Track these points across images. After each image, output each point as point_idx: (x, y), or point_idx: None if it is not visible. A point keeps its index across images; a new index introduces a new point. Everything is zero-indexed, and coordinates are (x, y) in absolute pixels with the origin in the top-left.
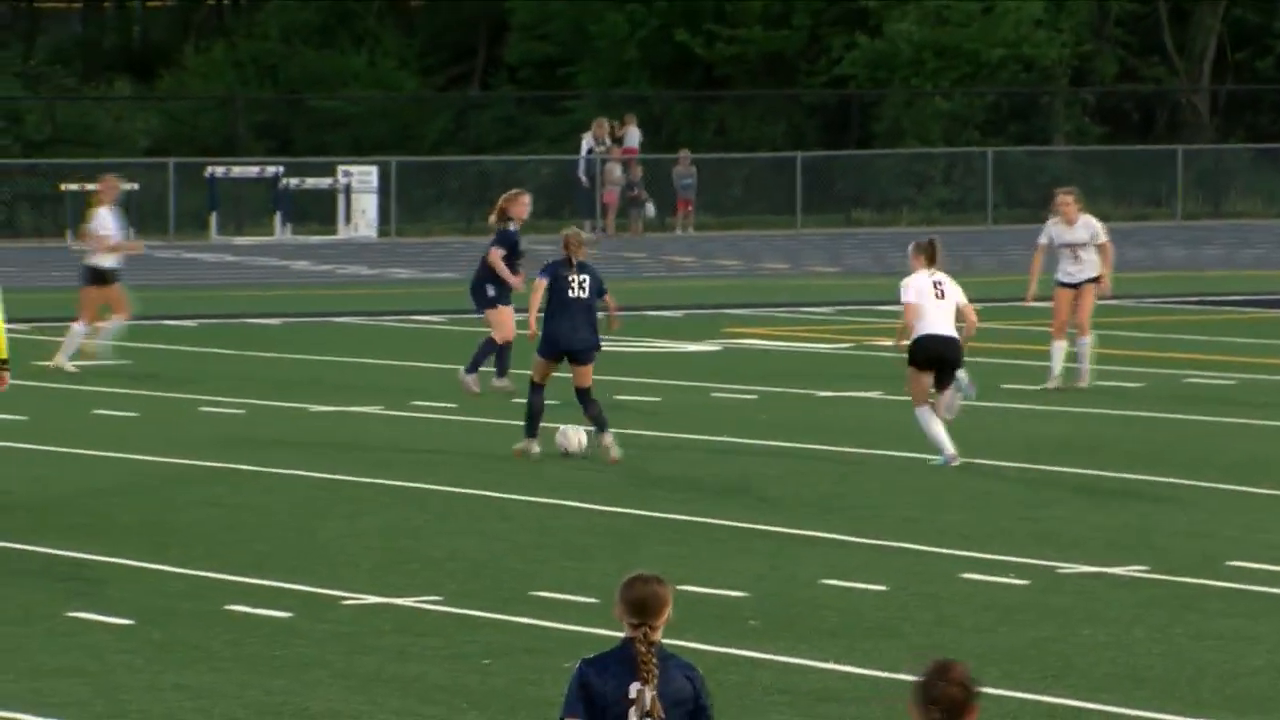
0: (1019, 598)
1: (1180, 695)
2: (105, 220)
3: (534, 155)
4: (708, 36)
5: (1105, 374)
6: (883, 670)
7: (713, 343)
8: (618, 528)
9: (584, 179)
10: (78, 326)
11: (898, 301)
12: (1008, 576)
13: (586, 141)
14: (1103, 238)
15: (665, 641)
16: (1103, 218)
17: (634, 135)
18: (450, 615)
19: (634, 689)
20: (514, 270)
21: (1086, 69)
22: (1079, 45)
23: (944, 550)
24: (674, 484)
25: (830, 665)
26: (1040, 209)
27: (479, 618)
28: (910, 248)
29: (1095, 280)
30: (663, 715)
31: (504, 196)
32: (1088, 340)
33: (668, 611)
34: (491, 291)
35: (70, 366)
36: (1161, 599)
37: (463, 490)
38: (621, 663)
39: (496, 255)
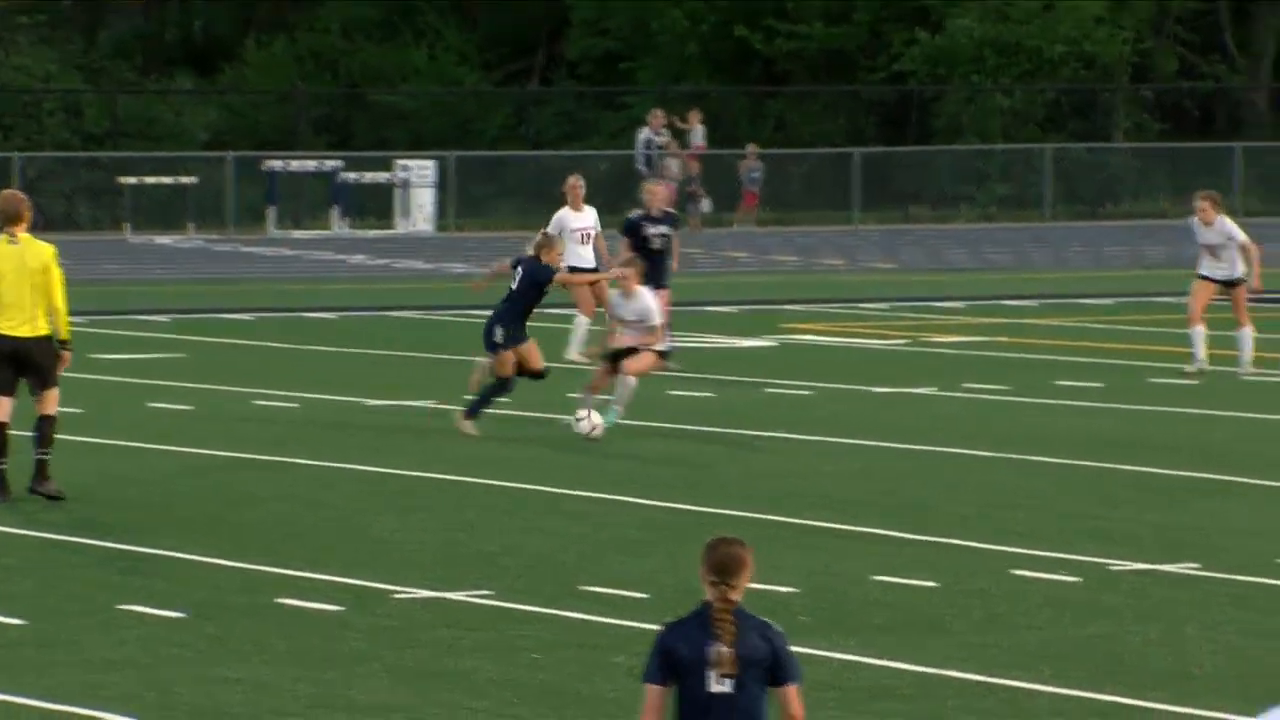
0: (1071, 595)
1: (1231, 693)
2: (563, 221)
3: (593, 151)
4: (767, 32)
5: (1162, 371)
6: (932, 666)
7: (769, 338)
8: (671, 524)
9: (644, 169)
10: (582, 319)
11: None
12: (1060, 574)
13: (644, 134)
14: (1240, 238)
15: None
16: (1160, 215)
17: (699, 133)
18: (501, 610)
19: (710, 648)
20: (645, 249)
21: (1147, 66)
22: (1139, 42)
23: (997, 547)
24: (728, 480)
25: (880, 661)
26: (1099, 205)
27: (530, 612)
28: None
29: (1242, 280)
30: (734, 671)
31: None
32: (1248, 331)
33: (748, 573)
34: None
35: (578, 356)
36: (1214, 597)
37: (517, 485)
38: (700, 625)
39: (622, 244)
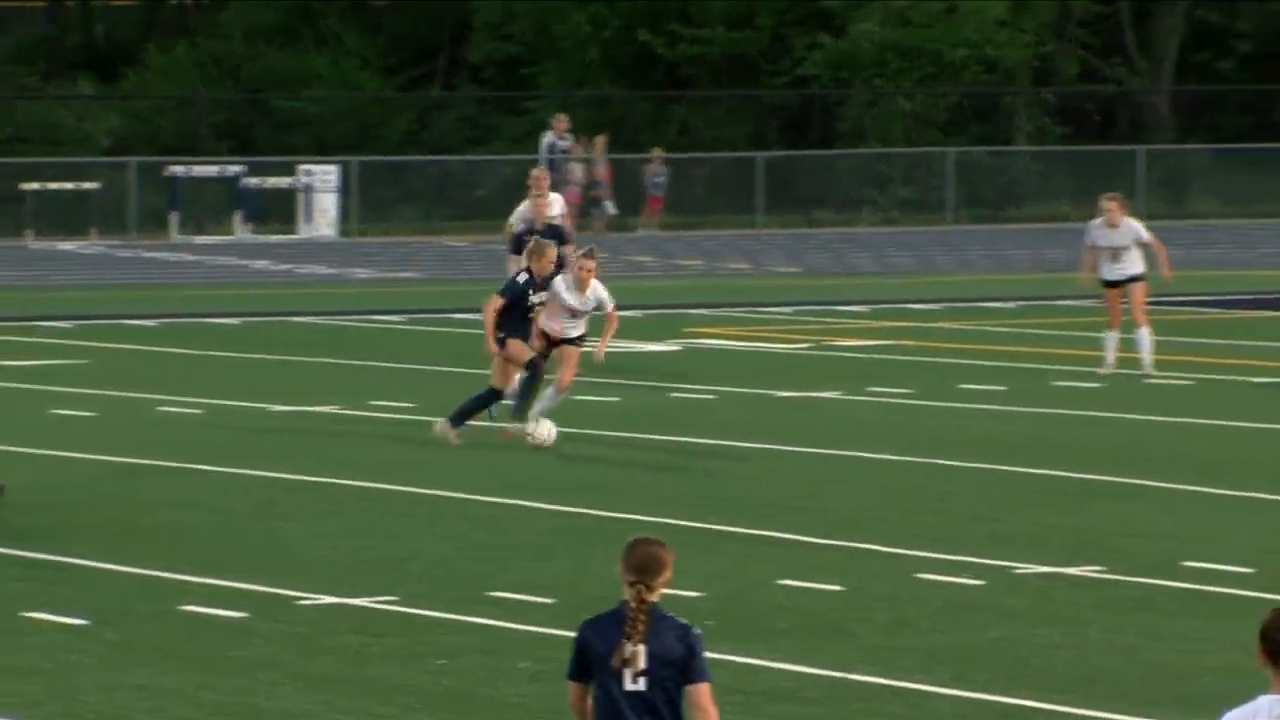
0: (975, 598)
1: (1134, 695)
2: (525, 213)
3: (496, 155)
4: (670, 36)
5: (1066, 374)
6: (835, 670)
7: (673, 342)
8: (576, 528)
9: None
10: None
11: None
12: (964, 577)
13: (548, 138)
14: (1146, 237)
15: None
16: (1063, 218)
17: (602, 160)
18: (406, 616)
19: (616, 646)
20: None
21: (1048, 69)
22: (1041, 46)
23: (901, 551)
24: (634, 484)
25: (785, 665)
26: (1001, 209)
27: (435, 618)
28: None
29: (1140, 278)
30: (643, 667)
31: None
32: (1145, 332)
33: (666, 574)
34: None
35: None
36: (1117, 600)
37: (421, 490)
38: (616, 623)
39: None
